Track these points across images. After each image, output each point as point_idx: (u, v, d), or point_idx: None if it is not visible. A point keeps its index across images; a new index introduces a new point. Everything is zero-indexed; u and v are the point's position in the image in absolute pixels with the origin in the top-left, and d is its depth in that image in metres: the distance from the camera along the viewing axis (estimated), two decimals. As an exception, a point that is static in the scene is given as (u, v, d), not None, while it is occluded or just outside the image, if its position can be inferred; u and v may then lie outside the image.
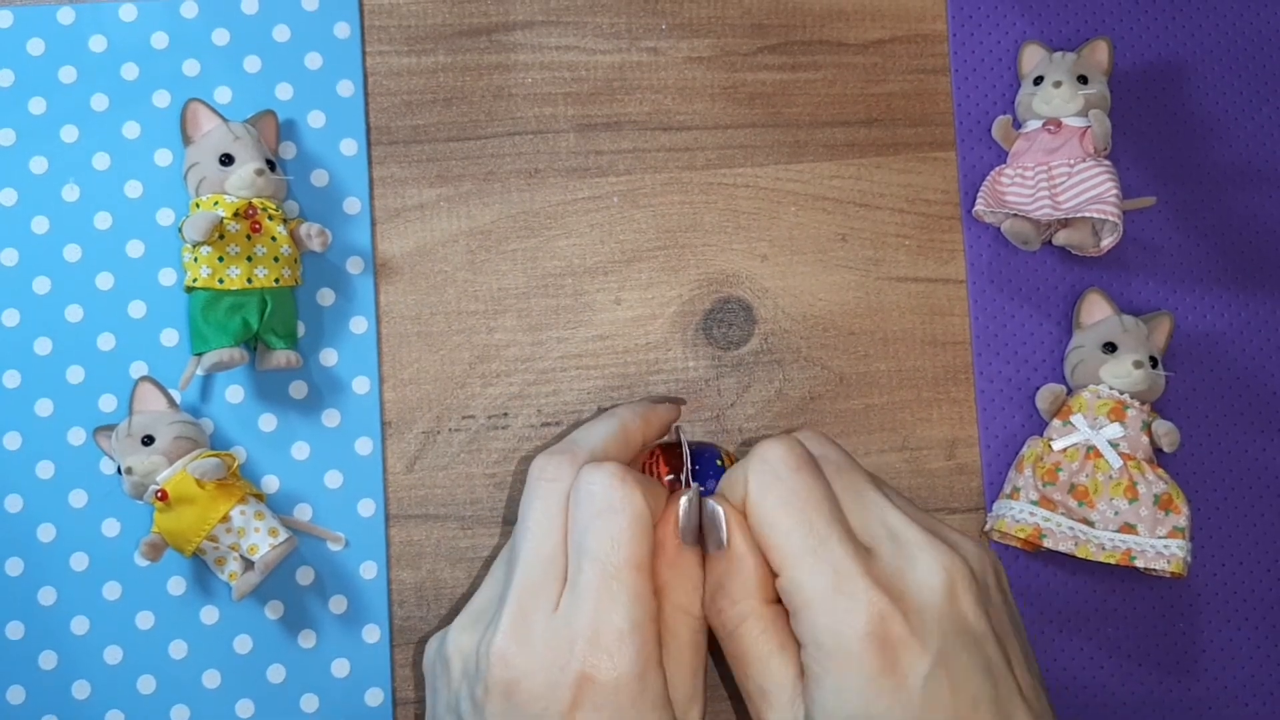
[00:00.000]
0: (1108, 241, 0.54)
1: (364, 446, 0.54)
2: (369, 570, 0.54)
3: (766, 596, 0.37)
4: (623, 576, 0.34)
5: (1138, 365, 0.52)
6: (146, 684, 0.53)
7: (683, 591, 0.37)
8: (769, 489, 0.37)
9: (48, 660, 0.53)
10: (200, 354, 0.51)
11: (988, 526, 0.54)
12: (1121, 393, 0.53)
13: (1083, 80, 0.54)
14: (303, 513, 0.54)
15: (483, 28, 0.56)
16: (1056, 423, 0.54)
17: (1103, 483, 0.52)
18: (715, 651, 0.40)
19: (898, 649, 0.33)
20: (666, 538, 0.37)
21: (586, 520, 0.35)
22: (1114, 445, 0.52)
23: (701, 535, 0.38)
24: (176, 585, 0.53)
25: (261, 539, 0.50)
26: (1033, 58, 0.56)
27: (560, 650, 0.34)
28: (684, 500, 0.38)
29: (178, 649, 0.53)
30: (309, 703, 0.53)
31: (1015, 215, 0.54)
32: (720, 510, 0.38)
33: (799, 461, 0.37)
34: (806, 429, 0.43)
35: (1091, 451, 0.52)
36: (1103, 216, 0.51)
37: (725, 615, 0.37)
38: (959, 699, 0.34)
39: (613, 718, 0.33)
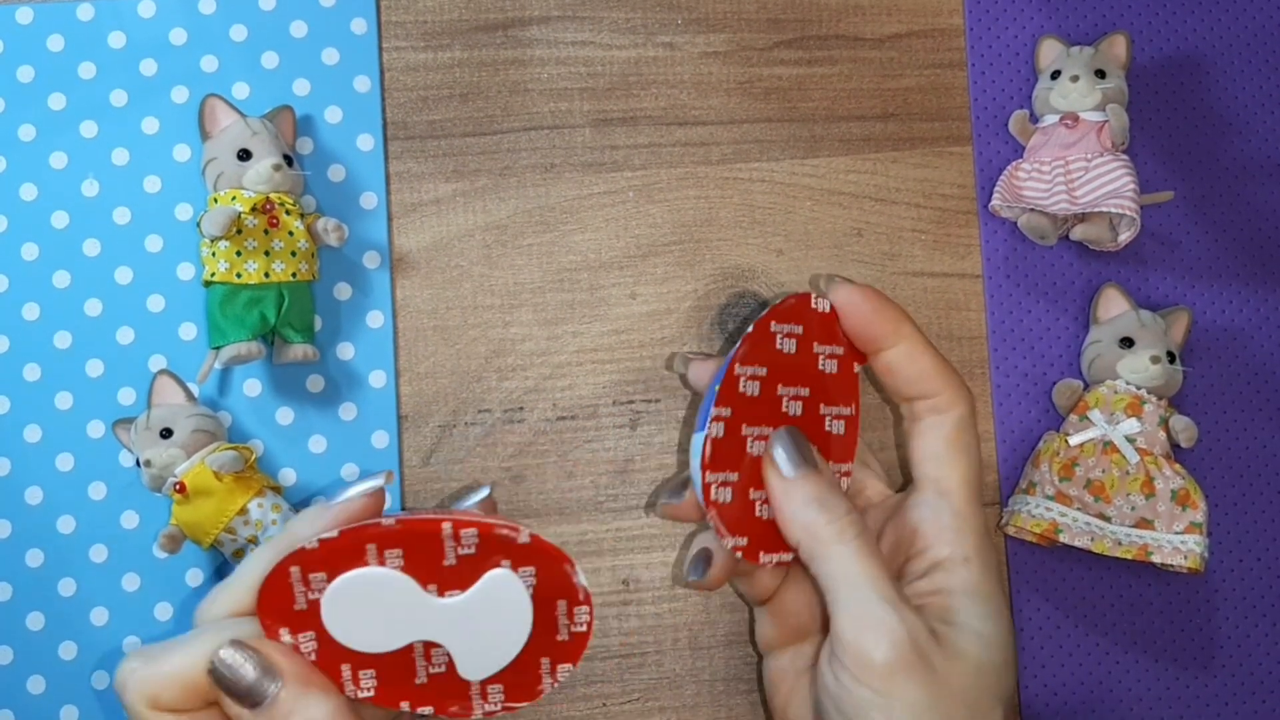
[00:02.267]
0: (1125, 236, 0.53)
1: (380, 440, 0.54)
2: (385, 563, 0.54)
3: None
4: None
5: (1155, 360, 0.52)
6: (165, 675, 0.53)
7: None
8: (973, 426, 0.41)
9: (68, 650, 0.53)
10: (218, 348, 0.51)
11: (1004, 521, 0.54)
12: (1139, 388, 0.53)
13: (1100, 75, 0.54)
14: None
15: (499, 23, 0.57)
16: (1073, 418, 0.54)
17: (1119, 478, 0.52)
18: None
19: (1001, 599, 0.40)
20: (231, 712, 0.32)
21: None
22: (1131, 440, 0.52)
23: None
24: (195, 577, 0.54)
25: (279, 531, 0.51)
26: (1050, 52, 0.56)
27: None
28: (211, 671, 0.31)
29: (196, 641, 0.53)
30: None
31: (1032, 210, 0.53)
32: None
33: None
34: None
35: (1108, 447, 0.52)
36: (1120, 211, 0.51)
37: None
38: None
39: None
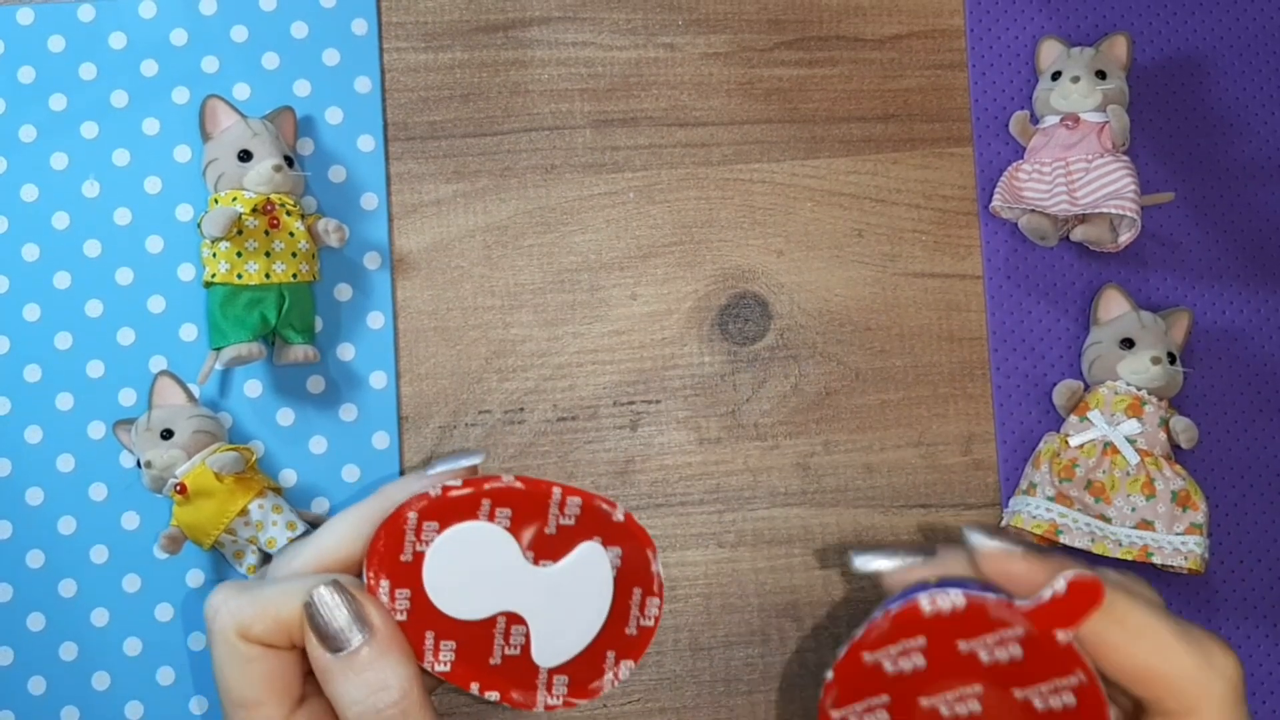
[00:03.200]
0: (1125, 237, 0.53)
1: (381, 441, 0.54)
2: (386, 564, 0.54)
3: None
4: (235, 716, 0.32)
5: (1156, 361, 0.52)
6: (166, 675, 0.53)
7: (342, 702, 0.31)
8: (1130, 602, 0.33)
9: (68, 651, 0.53)
10: (218, 349, 0.51)
11: (1004, 522, 0.54)
12: (1139, 389, 0.53)
13: (1101, 75, 0.54)
14: (320, 506, 0.54)
15: (499, 24, 0.57)
16: (1073, 419, 0.54)
17: (1120, 479, 0.52)
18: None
19: (1243, 704, 0.33)
20: (312, 654, 0.32)
21: None
22: (1131, 441, 0.52)
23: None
24: (195, 578, 0.54)
25: (279, 532, 0.51)
26: (1050, 53, 0.56)
27: None
28: (309, 609, 0.31)
29: (196, 641, 0.53)
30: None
31: (1032, 211, 0.53)
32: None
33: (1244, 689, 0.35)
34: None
35: (1109, 448, 0.52)
36: (1121, 212, 0.51)
37: None
38: None
39: None
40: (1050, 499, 0.52)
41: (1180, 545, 0.51)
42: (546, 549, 0.33)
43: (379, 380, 0.55)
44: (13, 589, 0.53)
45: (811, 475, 0.55)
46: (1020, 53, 0.58)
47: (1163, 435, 0.52)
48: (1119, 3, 0.58)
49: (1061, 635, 0.31)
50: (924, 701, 0.31)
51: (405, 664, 0.32)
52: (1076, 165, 0.53)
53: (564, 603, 0.33)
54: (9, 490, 0.53)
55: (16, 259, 0.54)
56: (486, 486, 0.32)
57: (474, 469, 0.34)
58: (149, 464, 0.50)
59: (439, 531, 0.32)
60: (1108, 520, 0.52)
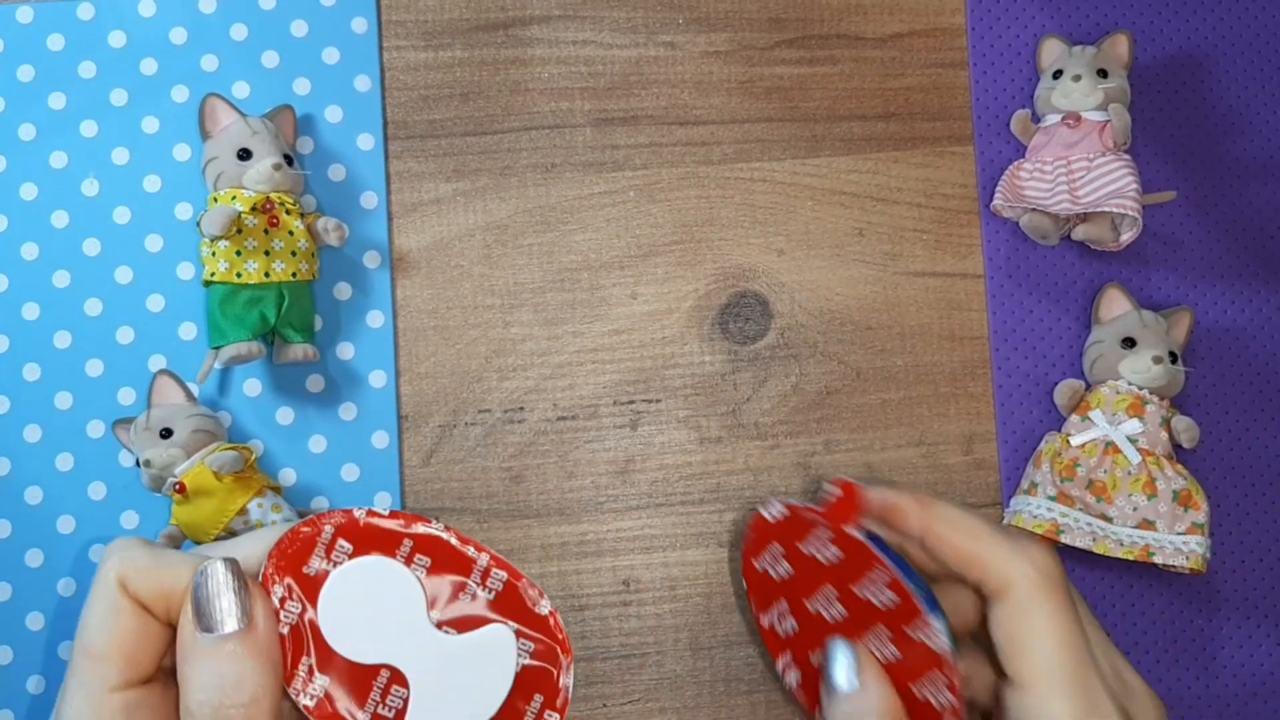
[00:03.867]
0: (1127, 236, 0.53)
1: (380, 440, 0.54)
2: (385, 563, 0.54)
3: None
4: (75, 663, 0.30)
5: (1157, 360, 0.52)
6: (165, 675, 0.53)
7: (189, 692, 0.29)
8: (1045, 600, 0.34)
9: (68, 651, 0.53)
10: (218, 347, 0.51)
11: (1005, 522, 0.54)
12: (1140, 388, 0.52)
13: (1102, 74, 0.54)
14: (320, 505, 0.54)
15: (499, 22, 0.56)
16: (1075, 418, 0.54)
17: (1121, 478, 0.52)
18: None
19: (1059, 590, 0.34)
20: (183, 631, 0.30)
21: None
22: (1133, 441, 0.52)
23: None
24: (195, 577, 0.53)
25: (279, 531, 0.50)
26: (1052, 51, 0.56)
27: None
28: (197, 584, 0.30)
29: (196, 641, 0.53)
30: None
31: (1034, 210, 0.53)
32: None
33: (1066, 581, 0.36)
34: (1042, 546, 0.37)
35: (1110, 447, 0.52)
36: (1122, 211, 0.51)
37: None
38: None
39: None
40: (1051, 499, 0.52)
41: (1182, 545, 0.51)
42: (456, 615, 0.30)
43: (379, 379, 0.55)
44: (12, 588, 0.53)
45: (812, 475, 0.55)
46: (1021, 51, 0.58)
47: (1164, 435, 0.52)
48: (1120, 1, 0.58)
49: (851, 530, 0.35)
50: (809, 605, 0.34)
51: (270, 674, 0.29)
52: (1078, 164, 0.53)
53: (456, 680, 0.30)
54: (8, 489, 0.53)
55: (16, 258, 0.54)
56: (415, 528, 0.30)
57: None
58: (148, 463, 0.50)
59: (350, 556, 0.30)
60: (1109, 520, 0.51)
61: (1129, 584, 0.55)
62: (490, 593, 0.30)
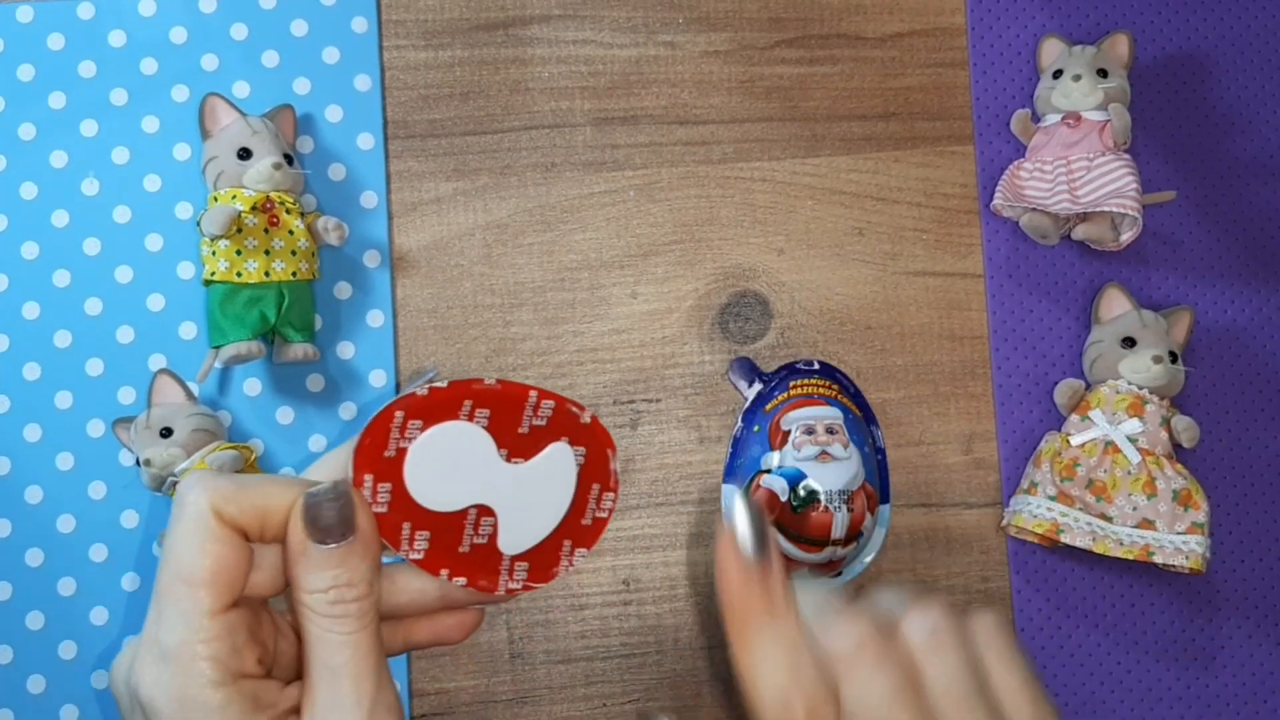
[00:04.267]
0: (1127, 236, 0.53)
1: (381, 439, 0.54)
2: (385, 563, 0.54)
3: None
4: (170, 592, 0.31)
5: (1157, 360, 0.52)
6: (165, 675, 0.53)
7: (304, 590, 0.32)
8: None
9: (67, 650, 0.53)
10: (218, 347, 0.51)
11: (1005, 522, 0.54)
12: (1140, 388, 0.52)
13: (1102, 74, 0.54)
14: (320, 505, 0.54)
15: (499, 22, 0.56)
16: (1075, 418, 0.54)
17: (1121, 478, 0.52)
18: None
19: None
20: (293, 533, 0.32)
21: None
22: (1133, 440, 0.52)
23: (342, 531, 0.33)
24: (194, 577, 0.53)
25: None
26: (1052, 51, 0.56)
27: (119, 676, 0.32)
28: (309, 498, 0.32)
29: (196, 640, 0.53)
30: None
31: (1034, 209, 0.53)
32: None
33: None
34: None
35: (1110, 447, 0.52)
36: (1122, 211, 0.51)
37: None
38: None
39: None
40: (1051, 498, 0.52)
41: (1182, 544, 0.51)
42: (519, 447, 0.35)
43: (379, 379, 0.55)
44: (12, 587, 0.53)
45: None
46: (1021, 51, 0.58)
47: (1164, 434, 0.52)
48: (1120, 1, 0.58)
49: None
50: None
51: (372, 567, 0.33)
52: (1078, 164, 0.53)
53: (530, 496, 0.35)
54: (8, 488, 0.53)
55: (16, 257, 0.54)
56: (470, 388, 0.34)
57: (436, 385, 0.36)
58: (148, 462, 0.50)
59: (422, 430, 0.34)
60: (1109, 519, 0.51)
61: (1129, 583, 0.55)
62: (543, 420, 0.35)
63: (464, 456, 0.34)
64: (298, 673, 0.34)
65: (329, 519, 0.32)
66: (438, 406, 0.34)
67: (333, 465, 0.34)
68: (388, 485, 0.34)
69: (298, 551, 0.32)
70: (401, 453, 0.34)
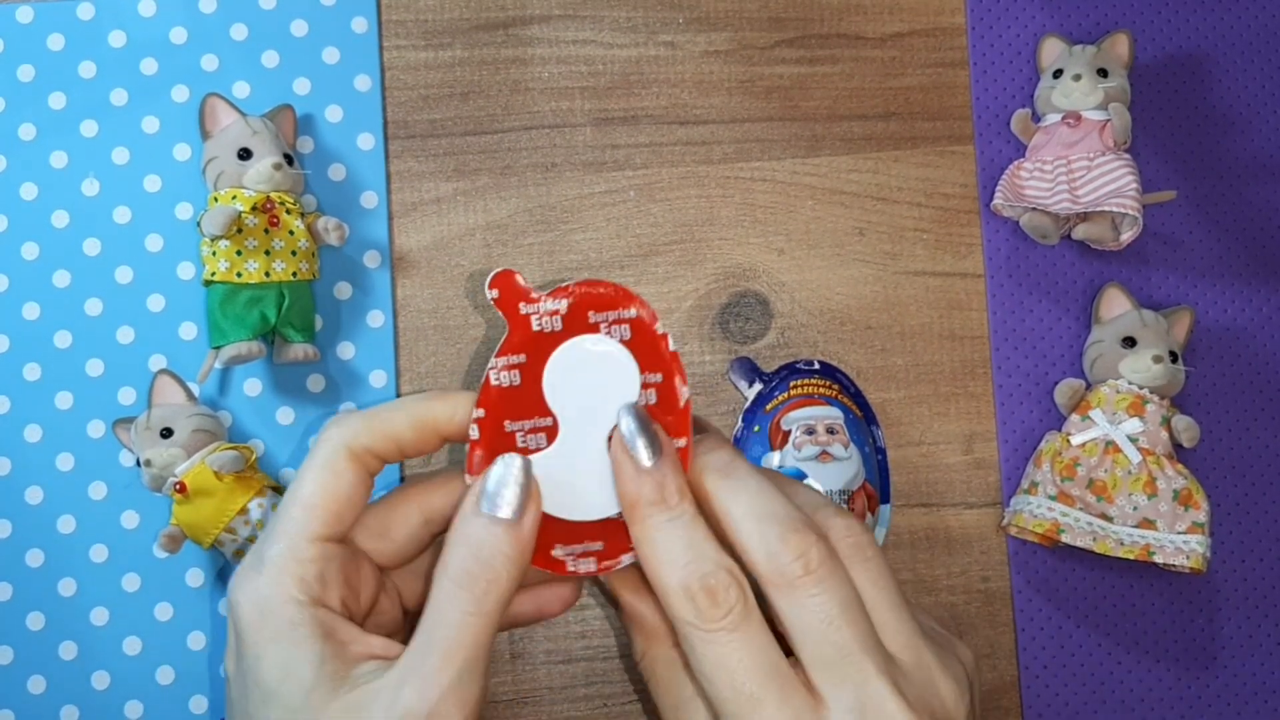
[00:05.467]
0: (1127, 235, 0.53)
1: (381, 440, 0.54)
2: (386, 563, 0.54)
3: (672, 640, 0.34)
4: (284, 511, 0.33)
5: (1157, 360, 0.52)
6: (165, 674, 0.53)
7: (453, 558, 0.32)
8: (800, 592, 0.31)
9: (68, 651, 0.53)
10: (218, 347, 0.51)
11: (1005, 521, 0.54)
12: (1141, 388, 0.52)
13: (1103, 73, 0.54)
14: (320, 505, 0.54)
15: (499, 22, 0.56)
16: (1075, 417, 0.54)
17: (1121, 478, 0.52)
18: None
19: None
20: (464, 500, 0.33)
21: None
22: (1133, 440, 0.52)
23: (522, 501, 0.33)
24: (195, 577, 0.54)
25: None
26: (1052, 51, 0.56)
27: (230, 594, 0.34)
28: (498, 469, 0.32)
29: (196, 640, 0.53)
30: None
31: (1034, 209, 0.53)
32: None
33: (832, 564, 0.33)
34: (837, 513, 0.35)
35: (1110, 446, 0.52)
36: (1122, 210, 0.51)
37: (643, 658, 0.35)
38: None
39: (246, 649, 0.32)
40: (1052, 498, 0.52)
41: (1182, 544, 0.51)
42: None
43: (379, 379, 0.55)
44: (12, 588, 0.53)
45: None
46: (1021, 50, 0.58)
47: (1164, 434, 0.52)
48: (1120, 1, 0.58)
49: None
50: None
51: (516, 566, 0.32)
52: (1078, 163, 0.53)
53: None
54: (9, 489, 0.53)
55: (16, 258, 0.54)
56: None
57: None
58: (148, 463, 0.50)
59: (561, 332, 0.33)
60: (1109, 519, 0.52)
61: (1129, 583, 0.55)
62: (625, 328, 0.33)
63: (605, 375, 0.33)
64: (388, 633, 0.35)
65: (505, 490, 0.32)
66: (550, 340, 0.33)
67: (444, 406, 0.34)
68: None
69: (465, 510, 0.32)
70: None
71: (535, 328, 0.33)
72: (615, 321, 0.33)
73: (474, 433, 0.33)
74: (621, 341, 0.33)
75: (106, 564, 0.53)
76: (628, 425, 0.33)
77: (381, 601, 0.35)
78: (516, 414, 0.33)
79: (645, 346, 0.33)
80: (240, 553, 0.51)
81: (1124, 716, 0.55)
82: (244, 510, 0.50)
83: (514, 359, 0.33)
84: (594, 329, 0.33)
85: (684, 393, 0.33)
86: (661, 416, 0.33)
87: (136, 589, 0.53)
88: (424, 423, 0.34)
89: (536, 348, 0.33)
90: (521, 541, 0.32)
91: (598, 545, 0.33)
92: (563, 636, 0.54)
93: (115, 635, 0.53)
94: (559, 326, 0.33)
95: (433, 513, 0.35)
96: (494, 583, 0.31)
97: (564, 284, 0.33)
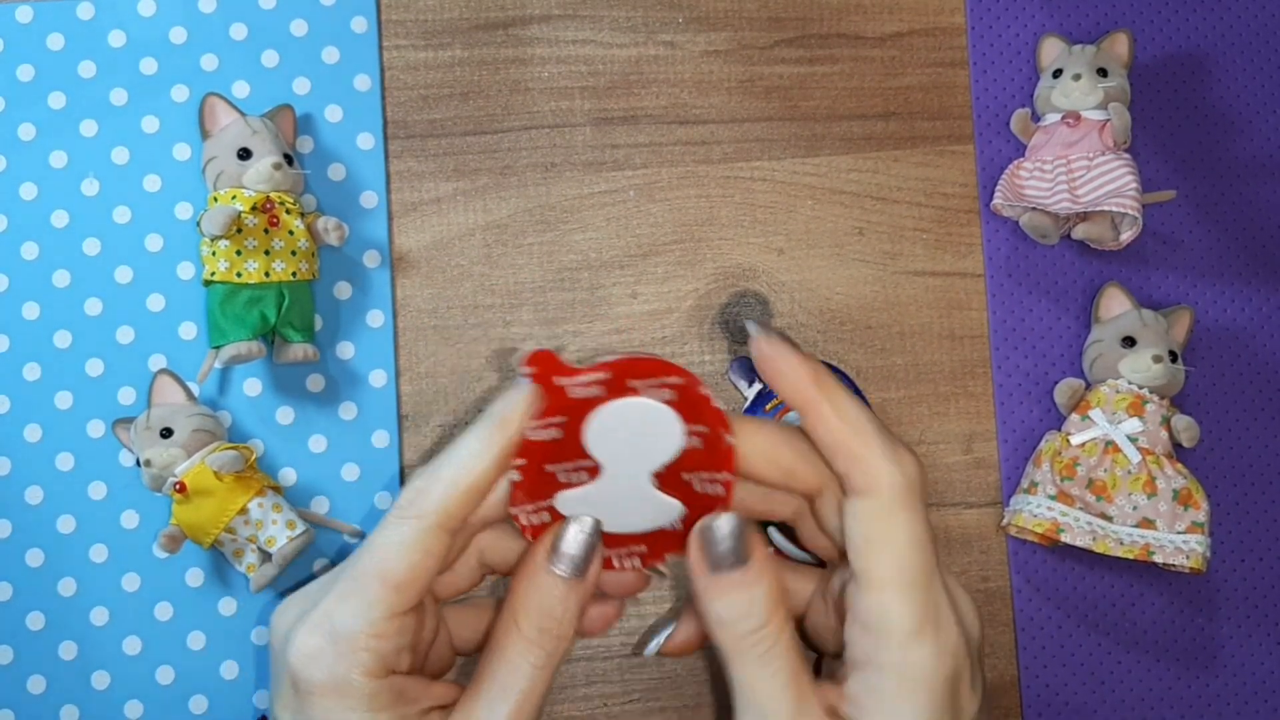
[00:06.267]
0: (1127, 235, 0.53)
1: (381, 439, 0.54)
2: (386, 563, 0.54)
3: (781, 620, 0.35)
4: (364, 580, 0.32)
5: (1157, 360, 0.52)
6: (165, 674, 0.53)
7: (525, 613, 0.33)
8: (910, 506, 0.34)
9: (68, 650, 0.53)
10: (218, 347, 0.51)
11: (1005, 521, 0.54)
12: (1140, 387, 0.52)
13: (1102, 73, 0.54)
14: (320, 505, 0.54)
15: (499, 22, 0.56)
16: (1075, 417, 0.54)
17: (1121, 478, 0.52)
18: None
19: (962, 688, 0.34)
20: (531, 553, 0.33)
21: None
22: (1133, 440, 0.52)
23: (590, 564, 0.34)
24: (195, 577, 0.54)
25: (279, 531, 0.51)
26: (1052, 50, 0.56)
27: (279, 634, 0.33)
28: (572, 529, 0.33)
29: (196, 640, 0.53)
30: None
31: (1034, 209, 0.53)
32: (731, 528, 0.34)
33: (926, 490, 0.36)
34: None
35: (1110, 446, 0.52)
36: (1122, 210, 0.51)
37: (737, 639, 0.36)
38: None
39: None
40: (1052, 497, 0.52)
41: (1182, 544, 0.51)
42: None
43: (379, 379, 0.55)
44: (12, 588, 0.53)
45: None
46: (1021, 50, 0.58)
47: (1164, 433, 0.52)
48: (1120, 0, 0.58)
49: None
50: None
51: (572, 623, 0.33)
52: (1078, 163, 0.53)
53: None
54: (8, 489, 0.53)
55: (16, 257, 0.54)
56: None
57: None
58: (148, 463, 0.50)
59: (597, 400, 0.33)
60: (1109, 519, 0.51)
61: (1129, 583, 0.55)
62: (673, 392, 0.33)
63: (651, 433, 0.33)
64: (444, 669, 0.36)
65: (574, 549, 0.33)
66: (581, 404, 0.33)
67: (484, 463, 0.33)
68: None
69: (534, 563, 0.33)
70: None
71: (573, 395, 0.33)
72: (656, 386, 0.33)
73: (514, 475, 0.33)
74: (665, 401, 0.33)
75: (106, 564, 0.53)
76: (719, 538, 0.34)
77: (438, 639, 0.36)
78: (557, 459, 0.33)
79: (689, 405, 0.33)
80: (240, 552, 0.51)
81: (1123, 715, 0.55)
82: (244, 510, 0.50)
83: (555, 420, 0.33)
84: (634, 393, 0.33)
85: (729, 439, 0.33)
86: (706, 460, 0.34)
87: (136, 589, 0.53)
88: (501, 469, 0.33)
89: (575, 411, 0.33)
90: (586, 596, 0.33)
91: (641, 548, 0.35)
92: (562, 636, 0.54)
93: (115, 635, 0.53)
94: (599, 393, 0.33)
95: (485, 552, 0.36)
96: (563, 639, 0.33)
97: (602, 360, 0.33)
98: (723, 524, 0.33)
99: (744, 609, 0.33)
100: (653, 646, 0.39)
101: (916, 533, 0.33)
